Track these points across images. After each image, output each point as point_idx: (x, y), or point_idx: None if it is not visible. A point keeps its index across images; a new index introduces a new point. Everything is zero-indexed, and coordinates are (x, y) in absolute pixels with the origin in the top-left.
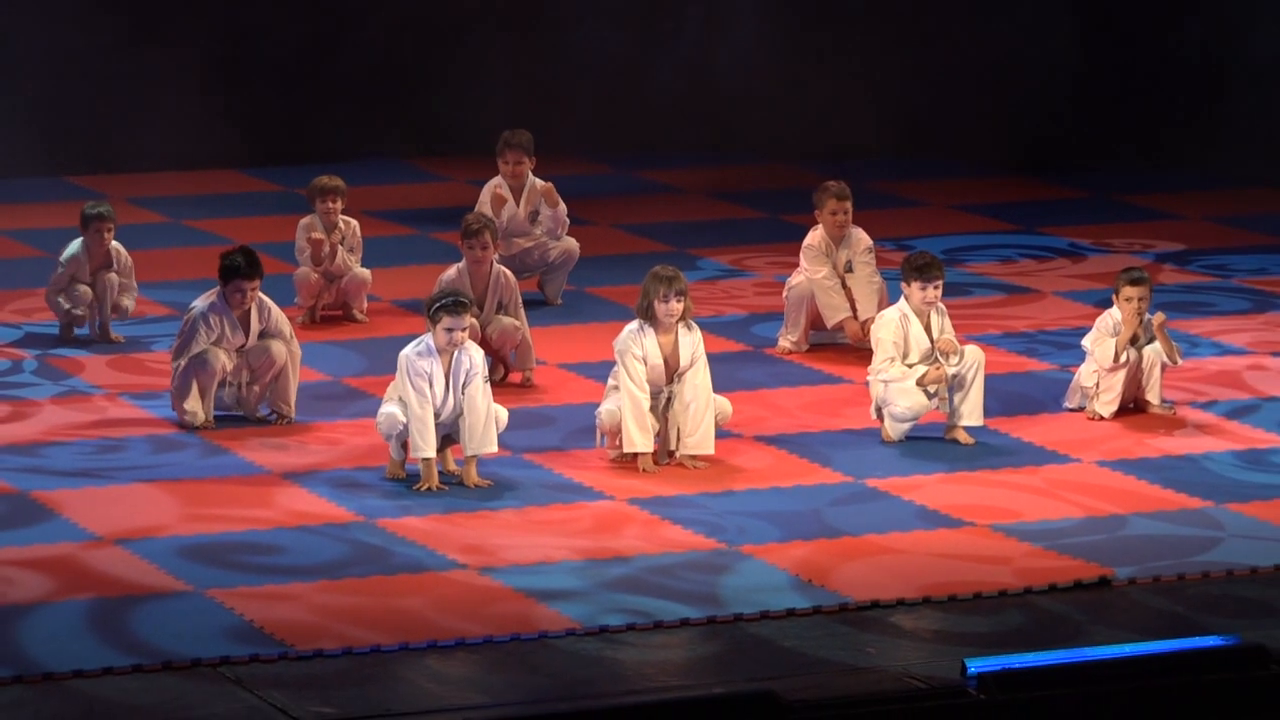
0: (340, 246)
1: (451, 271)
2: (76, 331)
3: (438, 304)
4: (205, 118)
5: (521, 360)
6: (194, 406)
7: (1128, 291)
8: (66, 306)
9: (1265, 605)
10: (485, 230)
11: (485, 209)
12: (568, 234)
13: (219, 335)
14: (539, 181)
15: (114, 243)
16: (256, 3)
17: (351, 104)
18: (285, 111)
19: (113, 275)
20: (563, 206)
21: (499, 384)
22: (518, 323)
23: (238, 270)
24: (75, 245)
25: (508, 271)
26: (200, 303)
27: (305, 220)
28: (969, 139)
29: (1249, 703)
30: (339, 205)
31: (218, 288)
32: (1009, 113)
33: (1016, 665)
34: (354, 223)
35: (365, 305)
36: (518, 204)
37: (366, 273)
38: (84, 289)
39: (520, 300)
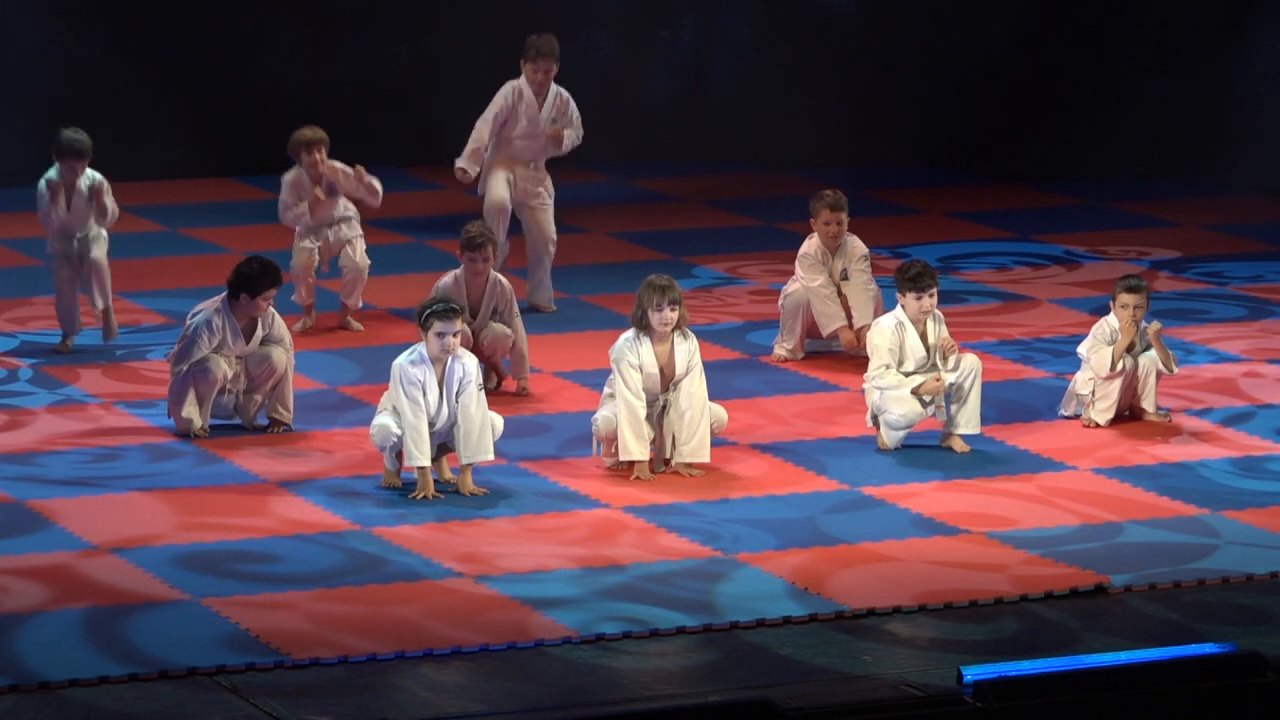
0: (333, 193)
1: (448, 278)
2: (78, 342)
3: (428, 310)
4: (201, 126)
5: (517, 368)
6: (191, 414)
7: (1124, 299)
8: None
9: (1261, 612)
10: (488, 244)
11: (508, 97)
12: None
13: (221, 342)
14: (563, 92)
15: (93, 172)
16: (252, 10)
17: (347, 112)
18: (281, 119)
19: (100, 259)
20: (574, 133)
21: (493, 392)
22: (509, 330)
23: (270, 279)
24: (53, 173)
25: (504, 279)
26: (204, 309)
27: (290, 176)
28: (963, 146)
29: (1245, 710)
30: (324, 155)
31: (222, 295)
32: (1005, 120)
33: (1013, 673)
34: (339, 166)
35: (360, 303)
36: (539, 106)
37: (366, 260)
38: (62, 212)
39: (517, 308)
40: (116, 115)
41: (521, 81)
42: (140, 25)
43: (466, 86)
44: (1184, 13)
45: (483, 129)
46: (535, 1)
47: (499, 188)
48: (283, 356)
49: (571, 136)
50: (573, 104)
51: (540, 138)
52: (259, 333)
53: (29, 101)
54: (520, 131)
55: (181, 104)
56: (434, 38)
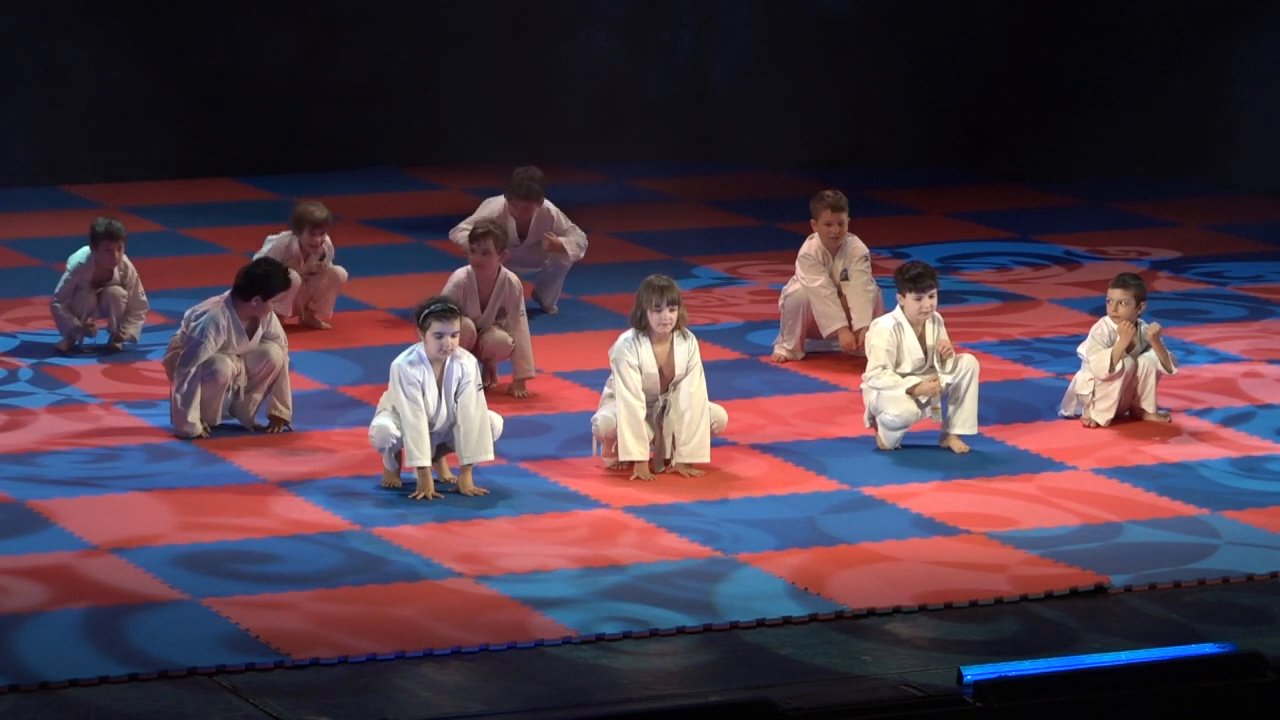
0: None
1: (460, 273)
2: (86, 341)
3: (426, 311)
4: (201, 126)
5: (518, 367)
6: (195, 418)
7: (1111, 294)
8: (71, 320)
9: (1261, 612)
10: (487, 237)
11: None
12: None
13: (226, 341)
14: (550, 209)
15: (124, 258)
16: (252, 11)
17: (347, 112)
18: (280, 120)
19: (119, 289)
20: (575, 239)
21: (488, 391)
22: (510, 338)
23: (282, 281)
24: (81, 254)
25: (514, 278)
26: (206, 309)
27: (283, 242)
28: (963, 146)
29: (1245, 710)
30: (325, 239)
31: (224, 294)
32: (1005, 120)
33: (1013, 673)
34: (327, 240)
35: (330, 312)
36: (521, 238)
37: (342, 271)
38: (89, 297)
39: (523, 308)
40: (117, 115)
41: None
42: (140, 25)
43: (466, 86)
44: (1184, 12)
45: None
46: (535, 1)
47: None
48: (279, 353)
49: (573, 243)
50: (560, 216)
51: (536, 250)
52: (259, 330)
53: (29, 102)
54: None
55: (181, 104)
56: (434, 38)
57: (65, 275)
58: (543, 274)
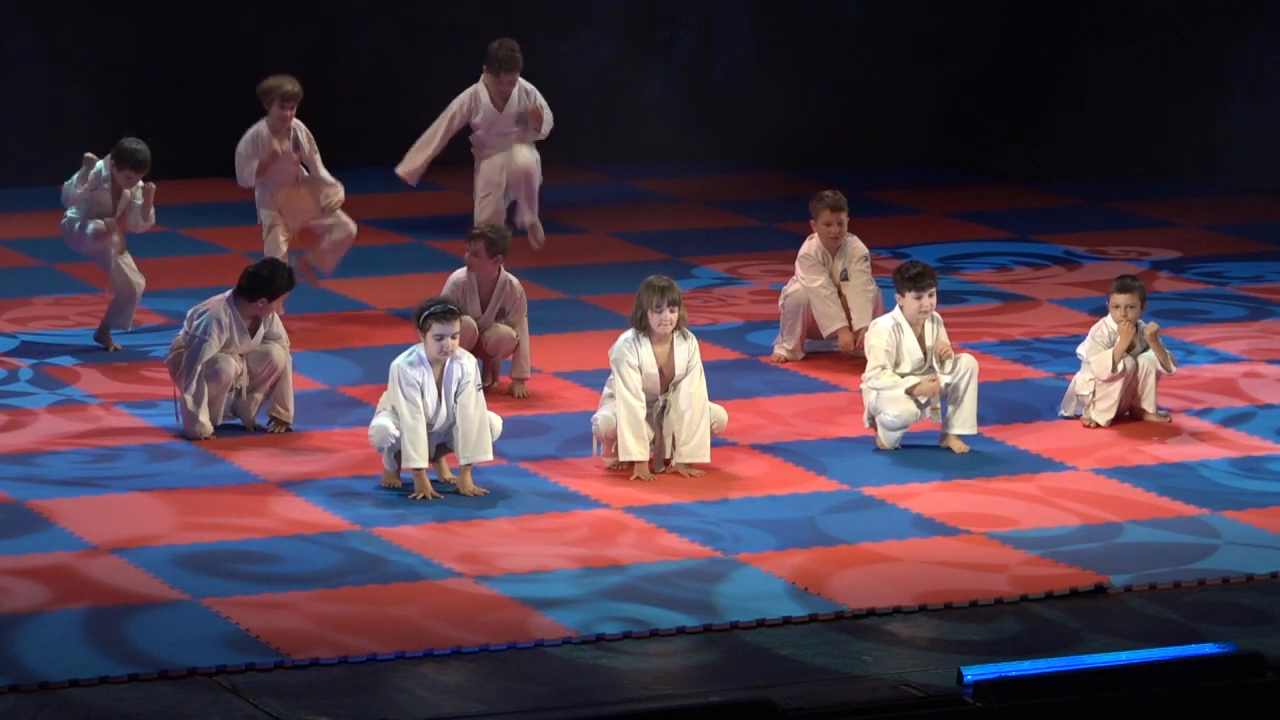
0: (297, 153)
1: (460, 272)
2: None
3: (426, 312)
4: (200, 126)
5: (517, 367)
6: (205, 418)
7: (1117, 299)
8: (91, 228)
9: (1261, 612)
10: (479, 239)
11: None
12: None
13: (228, 340)
14: (529, 92)
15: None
16: (252, 11)
17: (347, 111)
18: None
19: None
20: (547, 116)
21: (489, 391)
22: (515, 332)
23: (286, 282)
24: (102, 165)
25: (515, 280)
26: (207, 308)
27: (254, 128)
28: (963, 146)
29: (1245, 710)
30: (293, 112)
31: (225, 294)
32: (1004, 120)
33: (1013, 673)
34: (339, 190)
35: (333, 266)
36: (499, 109)
37: (352, 225)
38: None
39: (525, 308)
40: (116, 115)
41: (479, 87)
42: (140, 25)
43: (466, 87)
44: (1184, 12)
45: (433, 130)
46: (535, 1)
47: (490, 169)
48: (282, 353)
49: (547, 120)
50: (536, 92)
51: (509, 134)
52: (261, 330)
53: (29, 102)
54: (487, 131)
55: (181, 104)
56: (434, 38)
57: (82, 179)
58: (517, 188)
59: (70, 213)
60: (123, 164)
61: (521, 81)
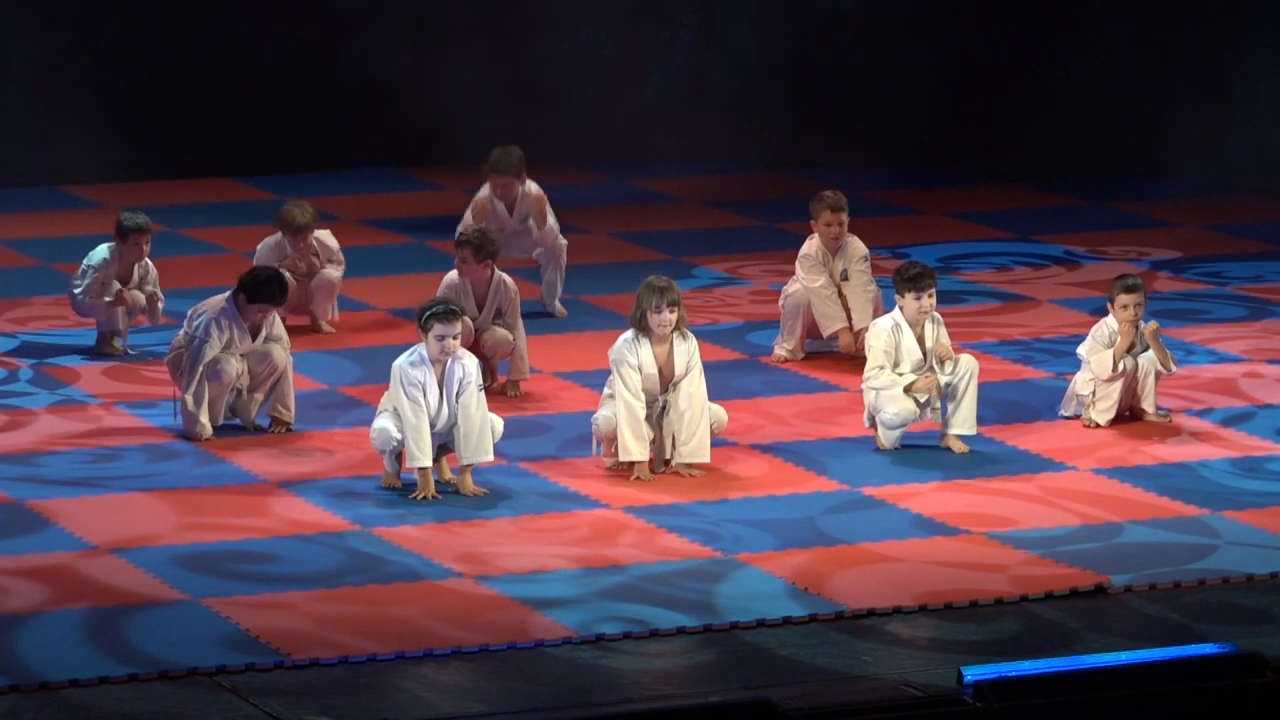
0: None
1: (452, 274)
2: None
3: (428, 313)
4: (201, 126)
5: (515, 368)
6: (206, 419)
7: (1122, 299)
8: (107, 299)
9: (1261, 612)
10: (465, 245)
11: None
12: (559, 237)
13: (229, 340)
14: (533, 189)
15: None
16: (252, 11)
17: (346, 112)
18: (280, 120)
19: (137, 293)
20: (552, 223)
21: (488, 391)
22: (511, 335)
23: (283, 289)
24: (104, 250)
25: (509, 279)
26: (206, 309)
27: (274, 242)
28: (963, 146)
29: (1245, 710)
30: (314, 241)
31: (226, 295)
32: (1004, 120)
33: (1013, 673)
34: (322, 237)
35: (333, 314)
36: (509, 214)
37: (333, 274)
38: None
39: (519, 309)
40: (116, 115)
41: (486, 192)
42: (140, 25)
43: (466, 86)
44: (1184, 12)
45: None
46: (535, 1)
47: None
48: (282, 354)
49: (545, 238)
50: (548, 209)
51: (525, 236)
52: (262, 331)
53: (29, 102)
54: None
55: (181, 104)
56: (434, 38)
57: (89, 272)
58: (543, 276)
59: (78, 293)
60: (125, 234)
61: (530, 184)
